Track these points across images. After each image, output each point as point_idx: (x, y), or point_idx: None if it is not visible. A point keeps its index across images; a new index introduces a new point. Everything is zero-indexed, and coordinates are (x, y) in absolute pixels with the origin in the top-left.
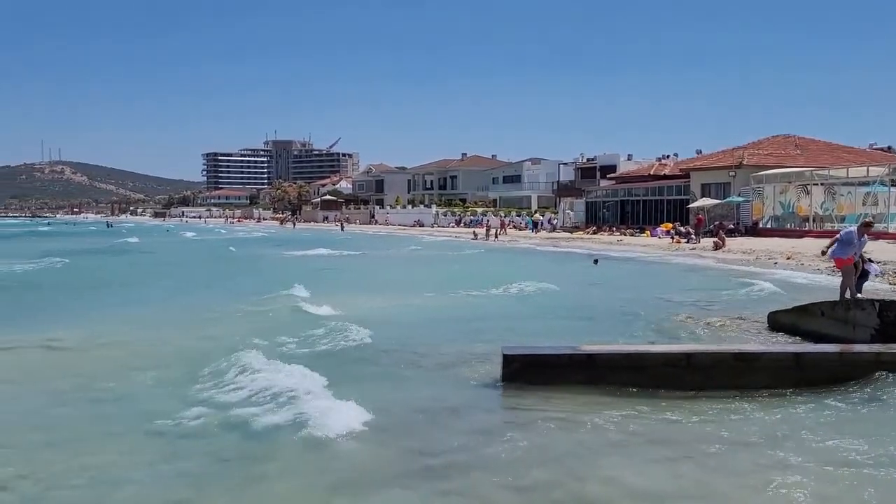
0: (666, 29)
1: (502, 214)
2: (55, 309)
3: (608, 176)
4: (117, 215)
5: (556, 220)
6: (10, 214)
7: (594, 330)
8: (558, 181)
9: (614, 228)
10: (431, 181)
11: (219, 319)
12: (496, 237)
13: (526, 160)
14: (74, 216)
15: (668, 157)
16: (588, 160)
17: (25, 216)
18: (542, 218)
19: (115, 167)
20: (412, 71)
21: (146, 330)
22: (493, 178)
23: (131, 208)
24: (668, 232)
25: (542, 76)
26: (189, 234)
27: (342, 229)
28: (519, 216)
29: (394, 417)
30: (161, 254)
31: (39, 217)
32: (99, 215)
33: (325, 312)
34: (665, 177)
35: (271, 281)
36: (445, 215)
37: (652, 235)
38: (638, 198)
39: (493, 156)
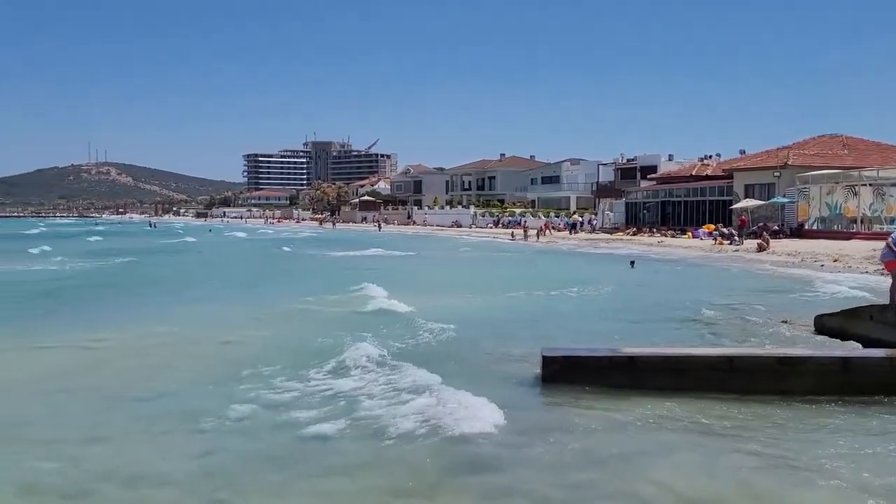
0: (707, 26)
1: (541, 215)
2: (141, 305)
3: (649, 176)
4: (160, 216)
5: (595, 221)
6: (59, 214)
7: (634, 332)
8: (597, 182)
9: (655, 230)
10: (469, 182)
11: (312, 317)
12: (539, 237)
13: (565, 161)
14: (120, 216)
15: (710, 157)
16: (628, 160)
17: (73, 216)
18: (580, 219)
19: (158, 168)
20: (451, 71)
21: (252, 329)
22: (532, 179)
23: (174, 209)
24: (710, 233)
25: (580, 76)
26: (240, 234)
27: (379, 230)
28: (557, 217)
29: (435, 413)
30: (221, 252)
31: (86, 217)
32: (143, 216)
33: (403, 310)
34: (707, 177)
35: (340, 280)
36: (483, 216)
37: (694, 237)
38: (679, 199)
39: (531, 156)
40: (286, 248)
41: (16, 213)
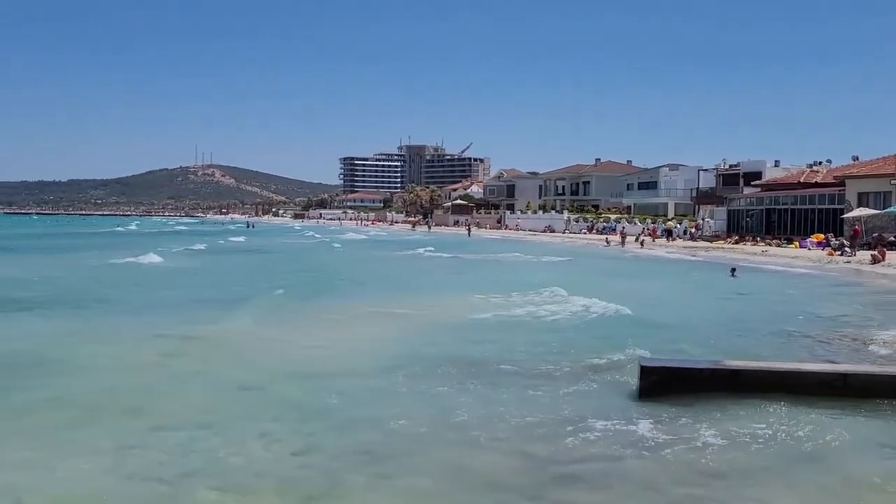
0: (814, 21)
1: (636, 221)
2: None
3: (752, 183)
4: (260, 216)
5: (694, 229)
6: (167, 213)
7: (737, 344)
8: (697, 188)
9: (758, 238)
10: (563, 186)
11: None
12: (638, 243)
13: (663, 166)
14: (223, 216)
15: (819, 163)
16: (731, 166)
17: (180, 215)
18: (677, 226)
19: (259, 170)
20: (545, 75)
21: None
22: (628, 185)
23: (273, 209)
24: (819, 243)
25: (679, 78)
26: (354, 236)
27: (469, 234)
28: (654, 223)
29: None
30: (365, 256)
31: (192, 216)
32: (244, 216)
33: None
34: (816, 184)
35: (520, 280)
36: (577, 221)
37: (801, 246)
38: (785, 206)
39: (628, 161)
40: (421, 250)
41: (129, 212)
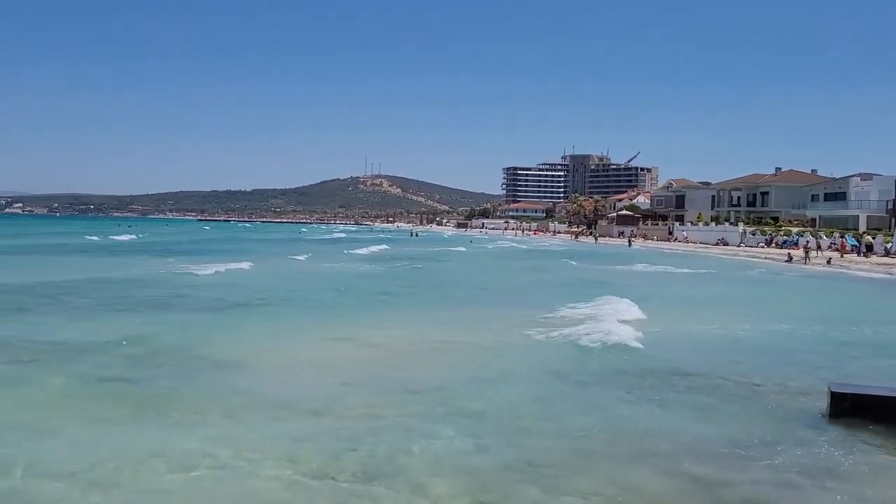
0: None
1: (822, 235)
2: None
3: None
4: (424, 224)
5: (891, 245)
6: (338, 221)
7: None
8: (895, 199)
9: None
10: (738, 197)
11: None
12: (827, 260)
13: (854, 175)
14: (389, 225)
15: None
16: None
17: (350, 223)
18: (872, 240)
19: (424, 180)
20: (721, 78)
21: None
22: (812, 195)
23: (437, 219)
24: None
25: (871, 78)
26: (518, 246)
27: (629, 245)
28: (842, 237)
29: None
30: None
31: (360, 224)
32: (409, 224)
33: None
34: None
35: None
36: (754, 234)
37: None
38: None
39: (812, 170)
40: (622, 267)
41: (304, 219)
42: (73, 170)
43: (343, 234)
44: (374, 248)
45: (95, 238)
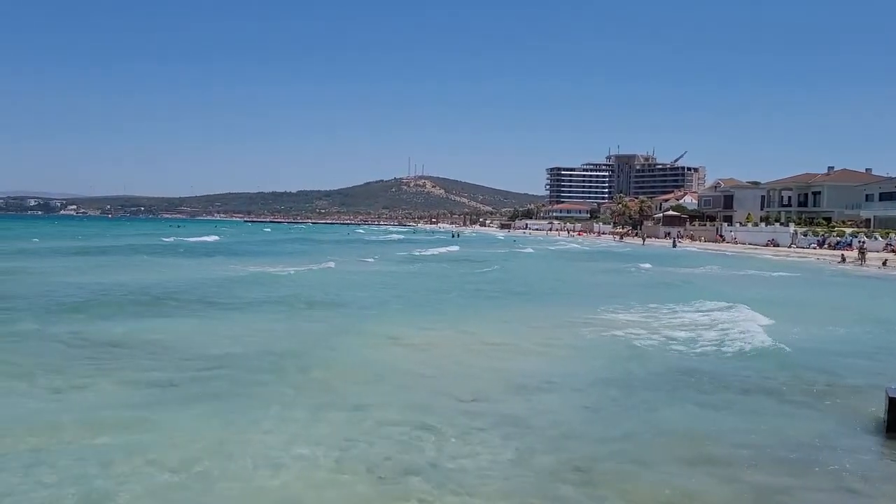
0: None
1: (877, 236)
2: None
3: None
4: (467, 226)
5: None
6: (381, 222)
7: None
8: None
9: None
10: (789, 197)
11: None
12: (883, 262)
13: None
14: (432, 225)
15: None
16: None
17: (394, 224)
18: None
19: (467, 181)
20: (769, 76)
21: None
22: (867, 195)
23: (480, 220)
24: None
25: None
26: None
27: (673, 245)
28: None
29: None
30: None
31: (404, 225)
32: (451, 225)
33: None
34: None
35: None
36: (805, 235)
37: None
38: None
39: (867, 169)
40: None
41: (348, 220)
42: (123, 172)
43: (402, 236)
44: (441, 250)
45: (169, 240)
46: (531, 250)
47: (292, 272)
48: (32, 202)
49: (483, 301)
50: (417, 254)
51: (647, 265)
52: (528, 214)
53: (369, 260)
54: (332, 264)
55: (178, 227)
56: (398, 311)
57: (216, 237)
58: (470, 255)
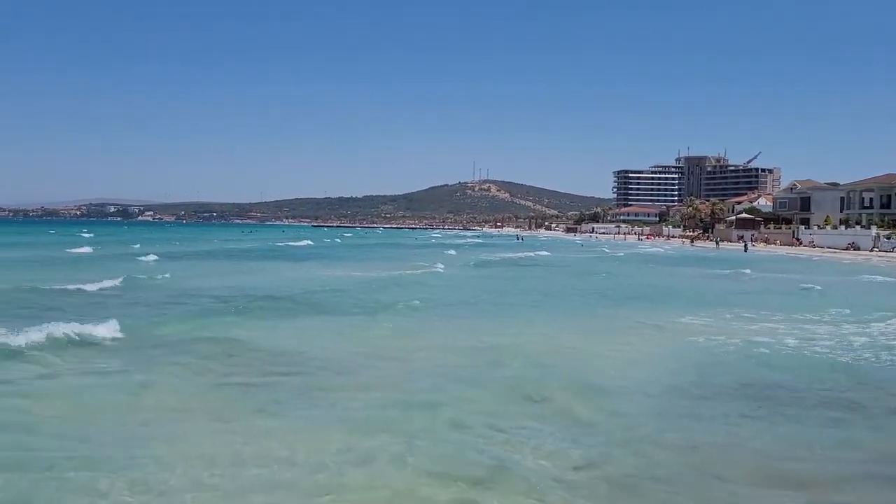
0: None
1: None
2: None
3: None
4: (533, 230)
5: None
6: (446, 227)
7: None
8: None
9: None
10: (871, 199)
11: None
12: None
13: None
14: (497, 230)
15: None
16: None
17: (459, 228)
18: None
19: (532, 185)
20: (846, 77)
21: None
22: None
23: (546, 223)
24: None
25: None
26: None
27: (745, 250)
28: None
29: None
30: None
31: (468, 229)
32: (516, 229)
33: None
34: None
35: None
36: (889, 238)
37: None
38: None
39: None
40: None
41: (413, 225)
42: (196, 179)
43: (481, 240)
44: (531, 253)
45: (302, 243)
46: (622, 254)
47: (419, 273)
48: (112, 209)
49: (608, 304)
50: (511, 256)
51: (748, 270)
52: (595, 218)
53: (470, 262)
54: (440, 267)
55: (250, 231)
56: (544, 315)
57: (309, 241)
58: (564, 261)
